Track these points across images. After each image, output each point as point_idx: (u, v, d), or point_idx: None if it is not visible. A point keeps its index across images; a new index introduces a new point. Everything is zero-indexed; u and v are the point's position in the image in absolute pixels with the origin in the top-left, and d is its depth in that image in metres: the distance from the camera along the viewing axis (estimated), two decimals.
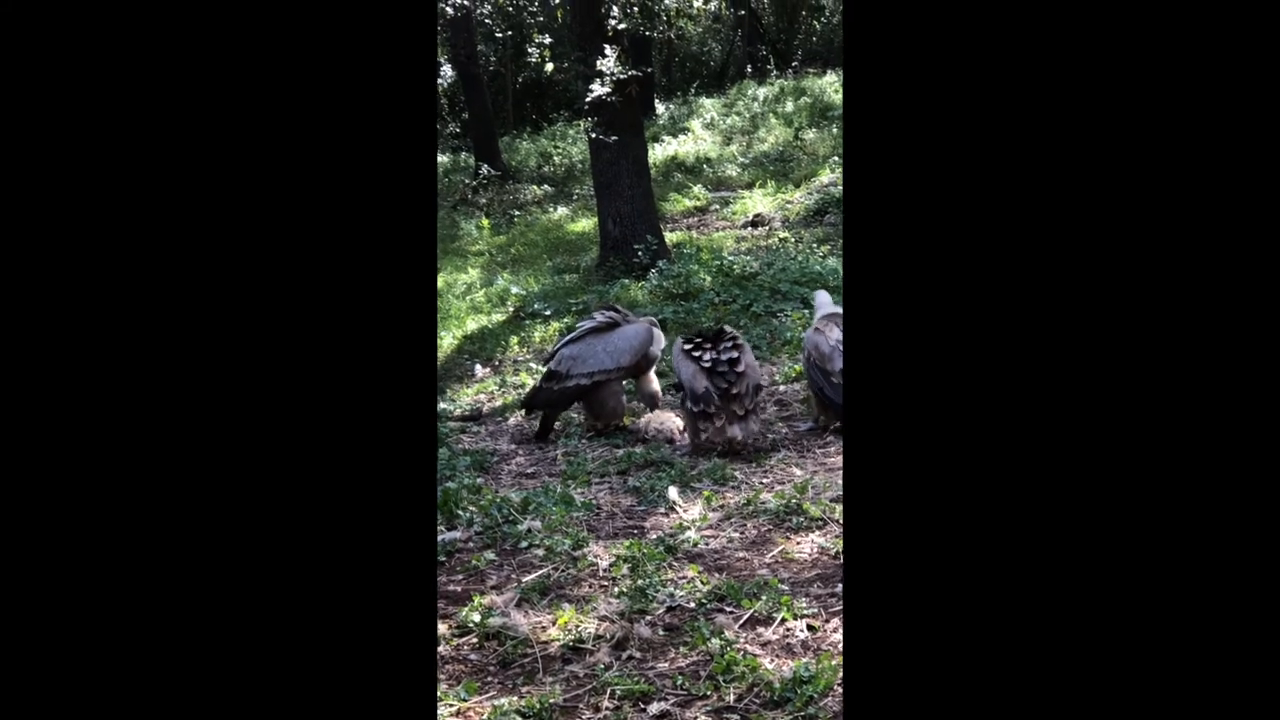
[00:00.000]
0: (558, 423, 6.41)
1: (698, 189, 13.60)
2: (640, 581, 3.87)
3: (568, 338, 6.36)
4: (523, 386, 7.26)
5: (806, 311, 7.87)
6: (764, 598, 3.67)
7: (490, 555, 4.31)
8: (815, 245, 10.16)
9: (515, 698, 3.19)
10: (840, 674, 3.05)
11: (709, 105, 18.37)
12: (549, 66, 11.59)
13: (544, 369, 6.43)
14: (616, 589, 3.87)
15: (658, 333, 6.25)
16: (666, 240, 10.41)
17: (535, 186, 15.09)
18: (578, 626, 3.57)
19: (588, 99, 9.34)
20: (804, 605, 3.63)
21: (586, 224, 12.43)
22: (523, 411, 6.63)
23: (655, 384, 6.28)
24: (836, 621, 3.46)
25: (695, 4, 11.32)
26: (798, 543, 4.25)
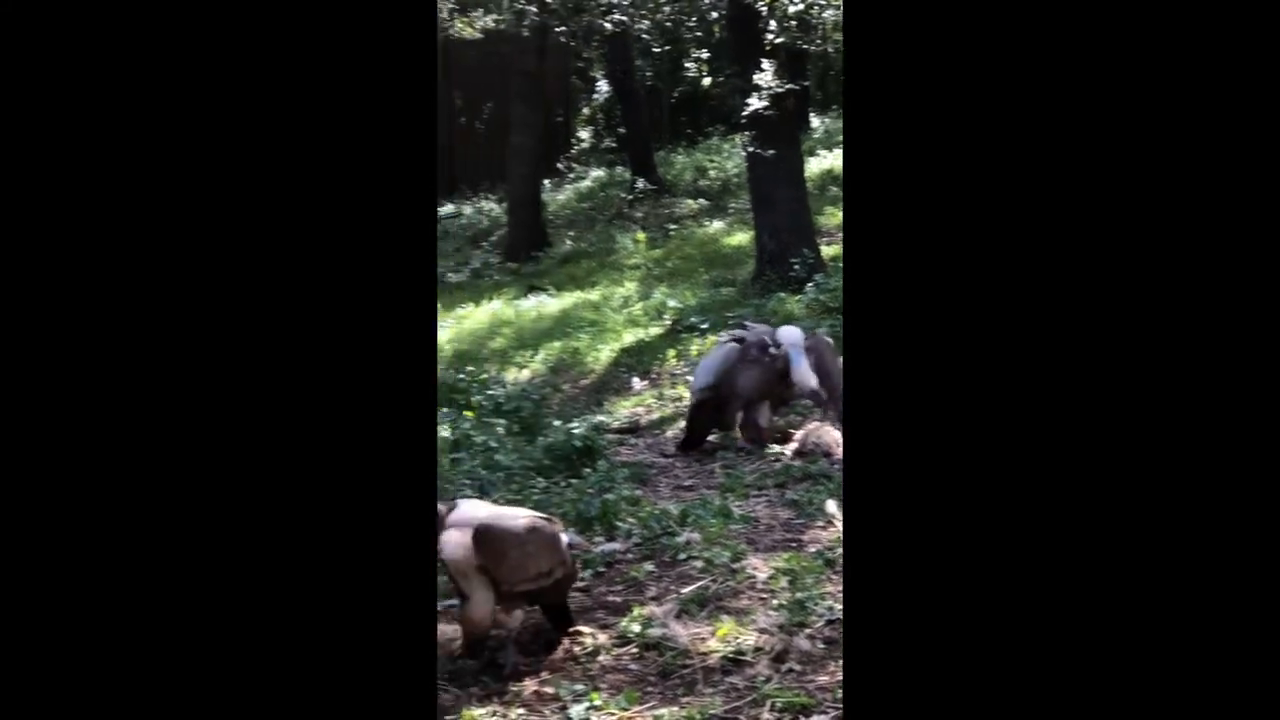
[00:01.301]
0: (714, 436, 6.42)
1: None
2: (799, 594, 3.87)
3: None
4: (679, 399, 7.30)
5: None
6: None
7: (649, 567, 4.35)
8: None
9: (675, 708, 3.22)
10: None
11: None
12: (706, 81, 11.63)
13: None
14: (775, 601, 3.87)
15: (790, 335, 6.16)
16: (823, 254, 10.36)
17: (691, 200, 15.14)
18: (737, 638, 3.58)
19: (744, 113, 9.35)
20: None
21: (742, 237, 12.43)
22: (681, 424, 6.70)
23: (809, 379, 6.11)
24: None
25: None
26: None
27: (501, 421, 6.53)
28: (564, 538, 3.95)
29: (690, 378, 7.71)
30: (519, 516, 3.85)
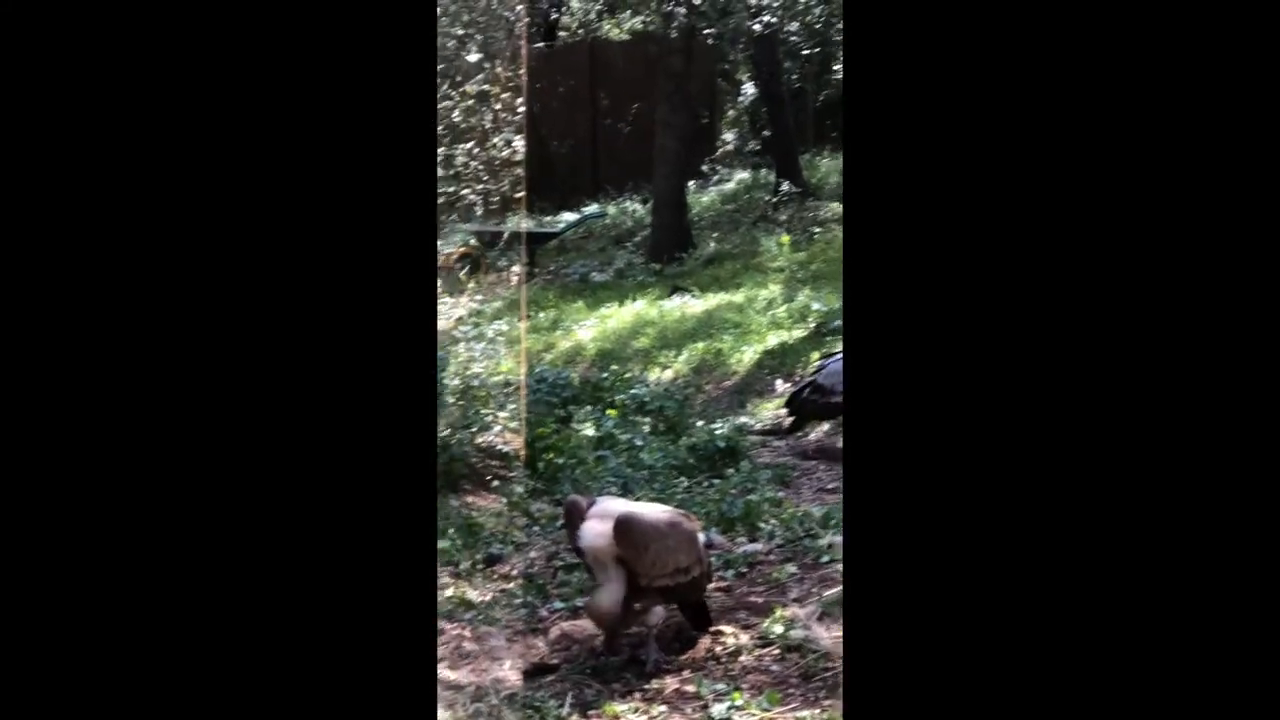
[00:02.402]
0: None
1: None
2: None
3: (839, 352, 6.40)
4: None
5: None
6: None
7: (791, 568, 4.33)
8: None
9: (817, 710, 3.21)
10: None
11: None
12: None
13: (809, 376, 6.47)
14: None
15: None
16: None
17: (836, 204, 15.01)
18: None
19: None
20: None
21: None
22: (786, 412, 6.70)
23: None
24: None
25: None
26: None
27: (645, 420, 6.56)
28: (701, 536, 3.95)
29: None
30: (660, 511, 3.87)
